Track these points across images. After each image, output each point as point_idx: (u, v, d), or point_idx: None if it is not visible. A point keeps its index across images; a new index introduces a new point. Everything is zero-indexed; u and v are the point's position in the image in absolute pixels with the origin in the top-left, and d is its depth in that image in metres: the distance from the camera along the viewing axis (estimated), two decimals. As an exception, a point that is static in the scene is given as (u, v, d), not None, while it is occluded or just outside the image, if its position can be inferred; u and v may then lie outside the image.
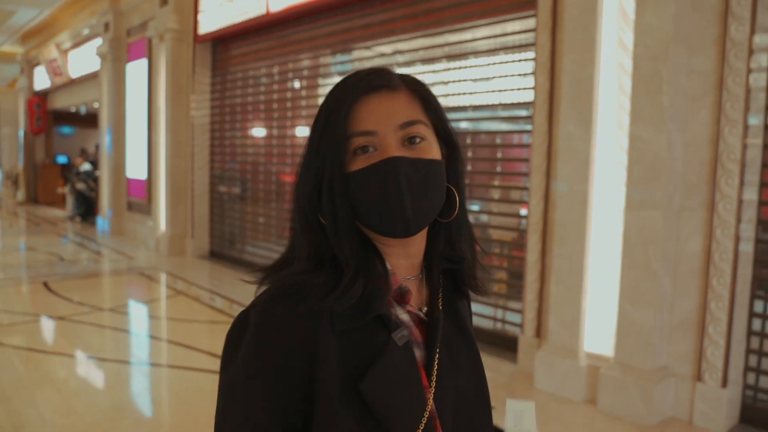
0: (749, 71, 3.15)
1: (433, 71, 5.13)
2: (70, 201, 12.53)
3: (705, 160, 3.34)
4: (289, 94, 6.99)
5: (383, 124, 0.83)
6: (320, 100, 5.97)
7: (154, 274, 7.37)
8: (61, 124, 17.27)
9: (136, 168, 9.81)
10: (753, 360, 3.48)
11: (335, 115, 0.83)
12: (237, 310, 5.38)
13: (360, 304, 0.82)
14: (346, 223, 0.83)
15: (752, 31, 3.13)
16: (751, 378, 3.49)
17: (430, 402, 0.85)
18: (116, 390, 3.87)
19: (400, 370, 0.83)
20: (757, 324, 3.46)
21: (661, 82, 3.26)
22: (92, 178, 11.93)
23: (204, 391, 3.77)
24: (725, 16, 3.21)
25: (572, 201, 3.70)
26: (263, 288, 0.87)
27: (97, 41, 10.92)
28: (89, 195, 11.99)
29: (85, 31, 11.91)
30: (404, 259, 0.90)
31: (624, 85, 3.52)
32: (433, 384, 0.87)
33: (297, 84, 6.90)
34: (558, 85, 3.85)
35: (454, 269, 0.95)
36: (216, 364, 4.23)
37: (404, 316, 0.89)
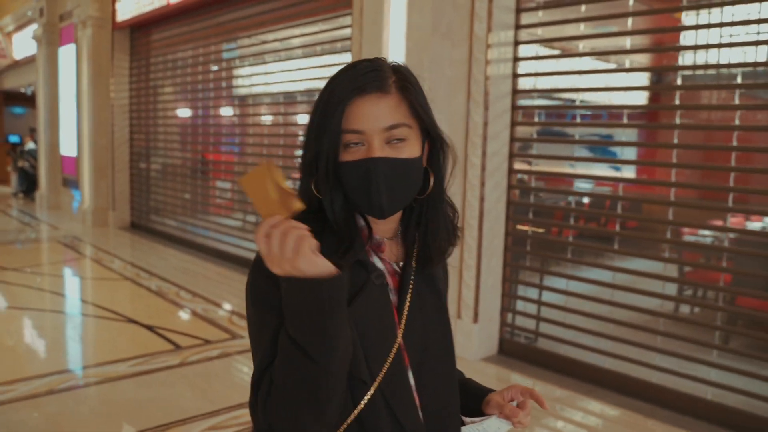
0: (487, 62, 3.85)
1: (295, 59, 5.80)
2: (14, 178, 13.06)
3: (462, 134, 4.04)
4: (202, 77, 7.58)
5: (371, 126, 0.97)
6: (233, 82, 6.54)
7: (71, 242, 8.00)
8: (12, 104, 17.73)
9: (68, 146, 10.39)
10: (511, 303, 4.21)
11: (332, 111, 0.98)
12: (133, 272, 6.07)
13: (345, 252, 1.00)
14: (336, 196, 1.02)
15: (489, 29, 3.83)
16: (510, 318, 4.22)
17: (399, 337, 1.04)
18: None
19: (376, 304, 1.02)
20: (512, 272, 4.19)
21: (423, 69, 3.95)
22: (34, 157, 12.45)
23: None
24: (472, 16, 3.90)
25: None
26: None
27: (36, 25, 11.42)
28: (31, 172, 12.52)
29: (29, 14, 12.38)
30: (382, 224, 1.07)
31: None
32: (403, 322, 1.05)
33: (213, 67, 7.48)
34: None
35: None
36: (98, 313, 4.91)
37: (380, 265, 1.07)
